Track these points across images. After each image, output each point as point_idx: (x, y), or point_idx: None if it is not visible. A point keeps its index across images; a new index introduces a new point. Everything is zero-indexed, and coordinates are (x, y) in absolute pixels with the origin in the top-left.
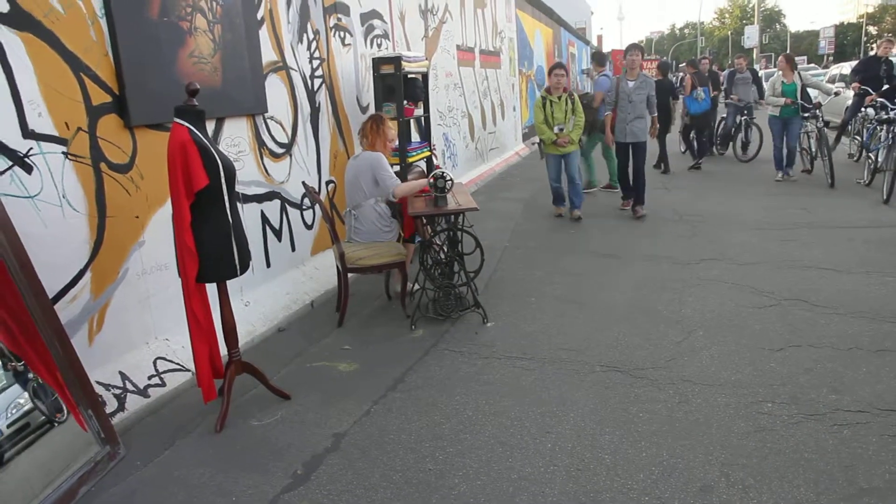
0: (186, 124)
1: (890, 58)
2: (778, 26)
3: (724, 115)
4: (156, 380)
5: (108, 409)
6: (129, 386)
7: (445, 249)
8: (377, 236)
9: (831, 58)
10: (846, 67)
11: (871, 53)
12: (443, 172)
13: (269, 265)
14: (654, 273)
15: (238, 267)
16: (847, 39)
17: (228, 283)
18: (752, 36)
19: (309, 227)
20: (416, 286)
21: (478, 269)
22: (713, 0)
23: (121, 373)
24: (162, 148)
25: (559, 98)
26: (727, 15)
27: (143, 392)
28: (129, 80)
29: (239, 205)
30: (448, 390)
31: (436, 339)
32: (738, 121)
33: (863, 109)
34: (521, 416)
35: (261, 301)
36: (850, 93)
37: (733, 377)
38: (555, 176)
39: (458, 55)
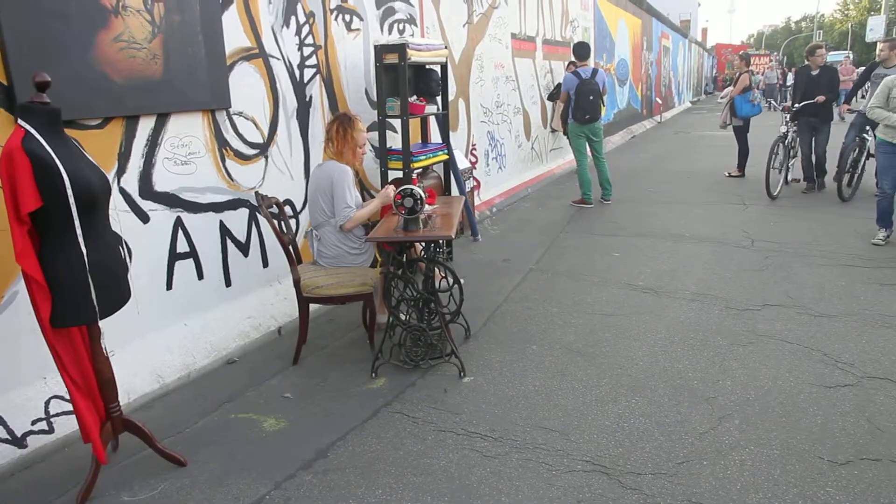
0: (27, 127)
1: None
2: None
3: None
4: (42, 425)
5: None
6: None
7: (418, 284)
8: (344, 261)
9: None
10: None
11: None
12: (411, 189)
13: (228, 284)
14: (697, 320)
15: (97, 309)
16: None
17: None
18: (876, 28)
19: None
20: (393, 319)
21: (455, 312)
22: None
23: None
24: None
25: None
26: (851, 6)
27: (18, 441)
28: (18, 67)
29: (116, 228)
30: (371, 479)
31: (395, 393)
32: (855, 140)
33: None
34: None
35: (211, 327)
36: None
37: None
38: None
39: (514, 45)
